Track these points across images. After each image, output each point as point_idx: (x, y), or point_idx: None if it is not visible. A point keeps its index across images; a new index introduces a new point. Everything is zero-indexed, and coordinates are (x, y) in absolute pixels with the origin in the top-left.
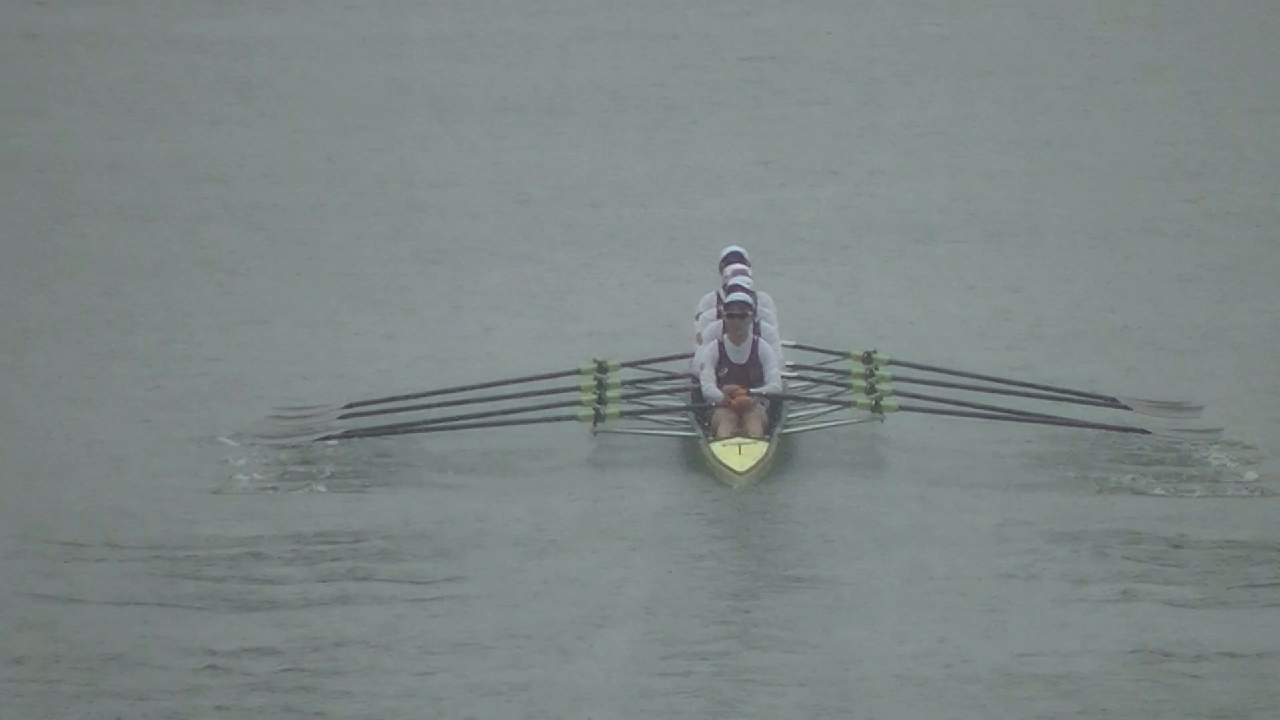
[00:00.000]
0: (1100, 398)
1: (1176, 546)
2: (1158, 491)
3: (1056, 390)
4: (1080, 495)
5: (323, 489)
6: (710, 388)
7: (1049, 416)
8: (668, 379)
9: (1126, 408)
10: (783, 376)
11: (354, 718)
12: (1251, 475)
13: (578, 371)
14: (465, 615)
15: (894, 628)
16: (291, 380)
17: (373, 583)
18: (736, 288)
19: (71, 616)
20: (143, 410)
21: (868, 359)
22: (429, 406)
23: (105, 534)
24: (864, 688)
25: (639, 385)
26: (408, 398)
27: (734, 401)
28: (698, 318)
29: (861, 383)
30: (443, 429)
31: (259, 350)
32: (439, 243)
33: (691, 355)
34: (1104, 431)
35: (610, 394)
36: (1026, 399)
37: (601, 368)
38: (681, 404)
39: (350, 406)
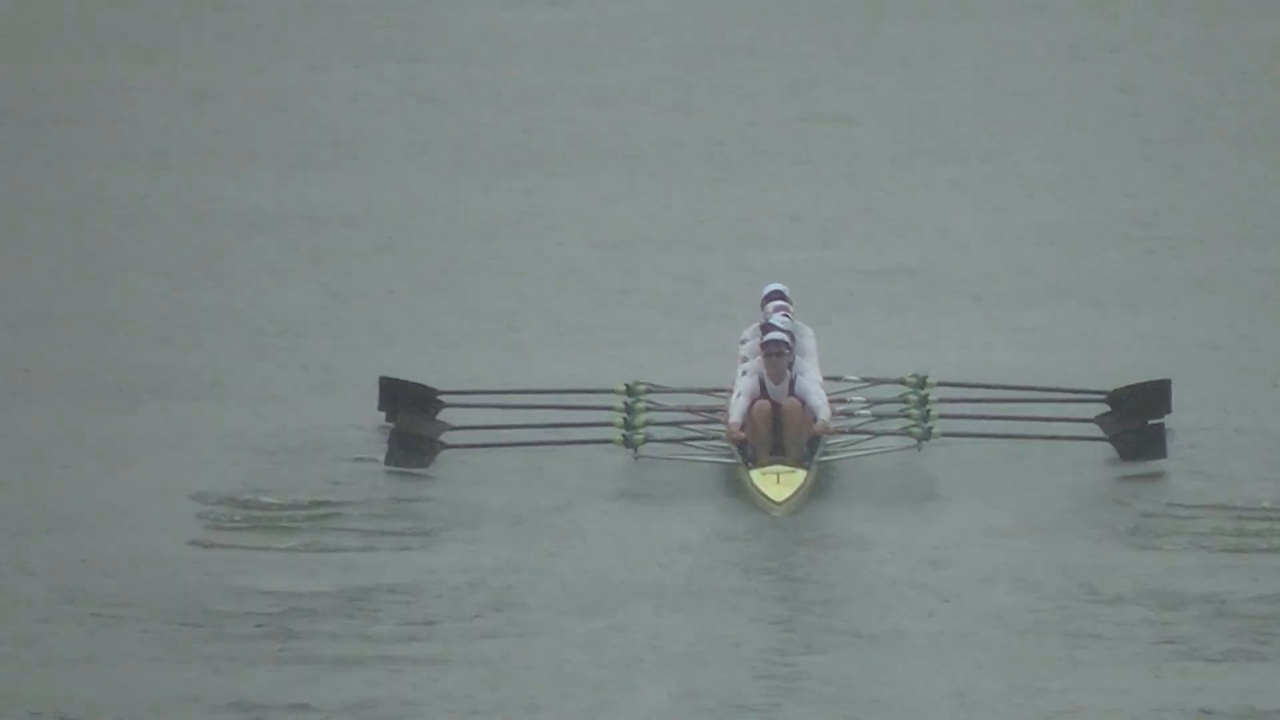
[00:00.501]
0: (1089, 392)
1: (1211, 602)
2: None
3: (1045, 388)
4: (1124, 546)
5: (353, 541)
6: (735, 414)
7: (1050, 433)
8: (699, 409)
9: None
10: (834, 413)
11: None
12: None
13: (610, 391)
14: (496, 667)
15: (937, 677)
16: (325, 431)
17: (415, 642)
18: (773, 327)
19: (100, 674)
20: (173, 466)
21: (921, 384)
22: (506, 407)
23: (139, 590)
24: None
25: (670, 411)
26: (498, 393)
27: (730, 437)
28: (743, 343)
29: (915, 410)
30: (482, 445)
31: (293, 396)
32: (476, 290)
33: (720, 389)
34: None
35: (638, 420)
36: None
37: (630, 391)
38: (710, 430)
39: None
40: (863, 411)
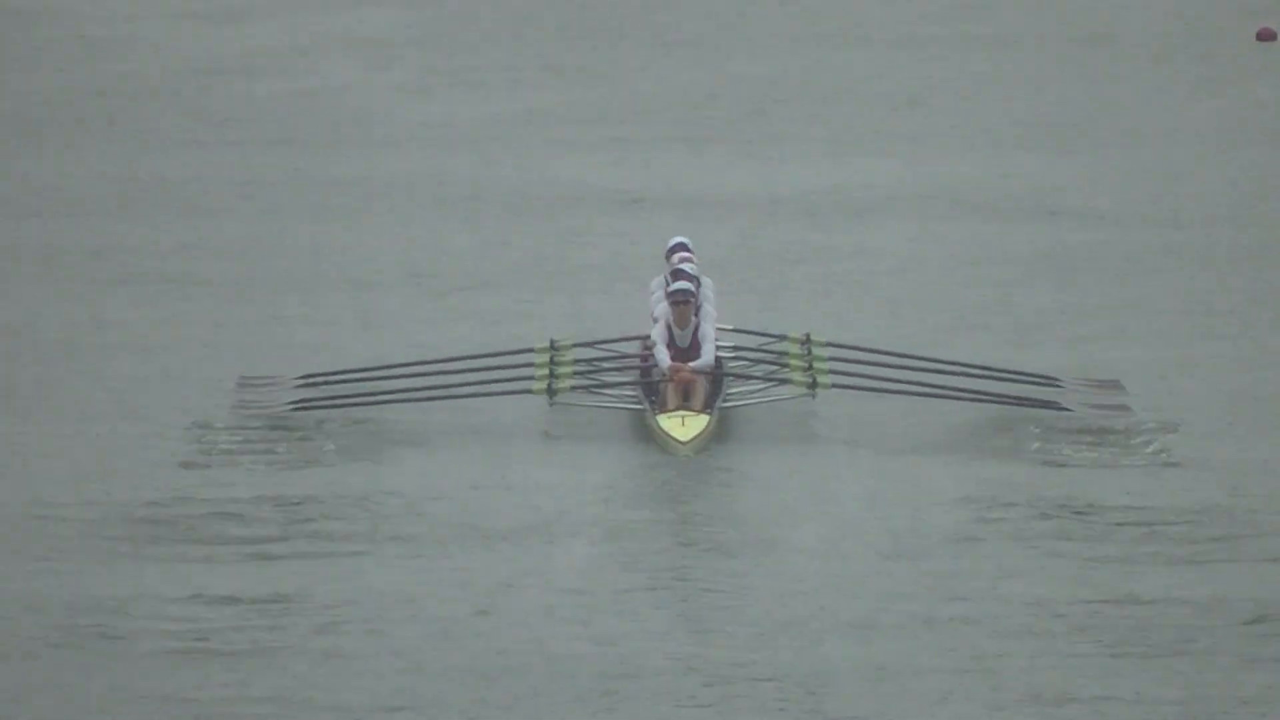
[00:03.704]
0: (1038, 376)
1: (1081, 513)
2: (1076, 462)
3: (996, 370)
4: (1002, 465)
5: (281, 460)
6: (664, 357)
7: (970, 392)
8: (617, 357)
9: (1059, 384)
10: (718, 355)
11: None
12: (1158, 448)
13: (532, 349)
14: (418, 569)
15: (822, 594)
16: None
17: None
18: (680, 274)
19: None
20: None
21: (806, 340)
22: (385, 379)
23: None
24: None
25: (590, 363)
26: (363, 370)
27: (676, 377)
28: (652, 295)
29: (800, 362)
30: (401, 400)
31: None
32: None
33: (637, 337)
34: (1030, 407)
35: (562, 370)
36: (964, 378)
37: (554, 345)
38: (629, 379)
39: (306, 377)
40: (762, 361)
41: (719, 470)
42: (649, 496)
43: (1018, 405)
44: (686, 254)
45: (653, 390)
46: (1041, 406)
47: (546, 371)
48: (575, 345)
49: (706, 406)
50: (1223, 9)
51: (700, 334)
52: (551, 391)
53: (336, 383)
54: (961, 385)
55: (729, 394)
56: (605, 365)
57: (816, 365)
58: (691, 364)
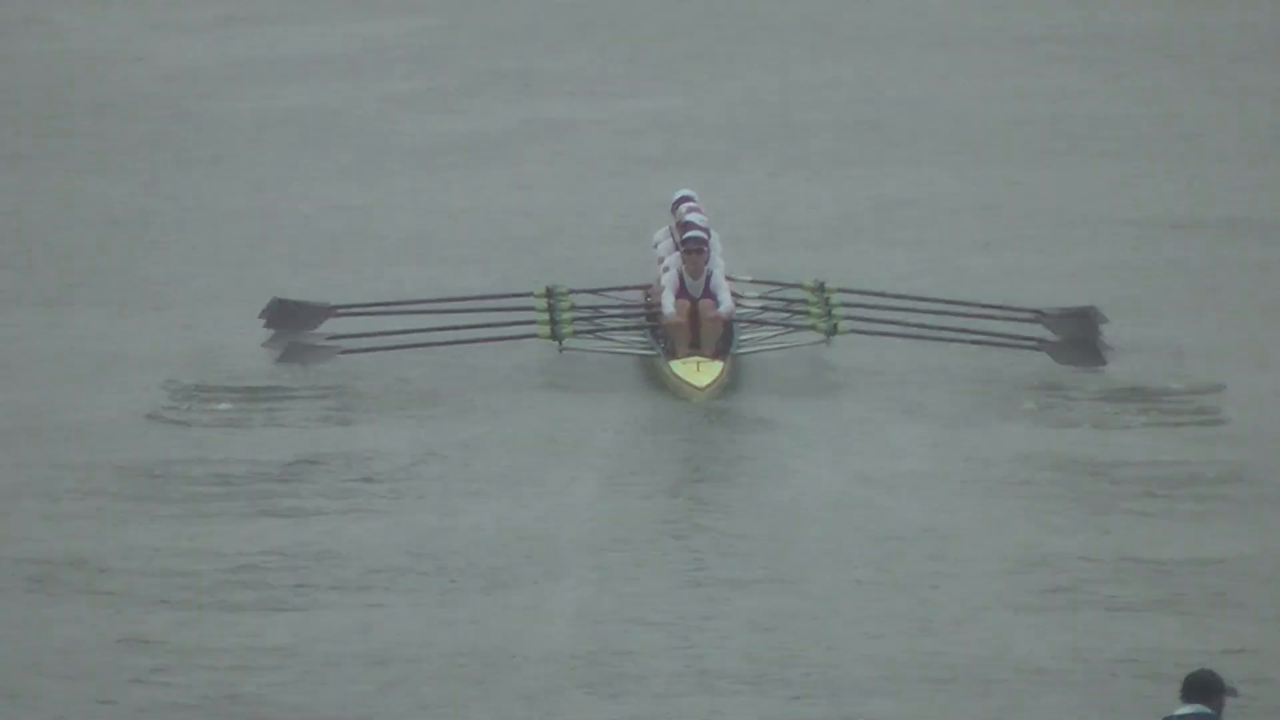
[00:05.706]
0: (1022, 310)
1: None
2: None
3: (982, 305)
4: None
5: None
6: (669, 305)
7: (973, 335)
8: (619, 305)
9: (1043, 323)
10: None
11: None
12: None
13: (531, 294)
14: (419, 527)
15: (832, 539)
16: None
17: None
18: (691, 224)
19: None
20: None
21: (820, 288)
22: (413, 313)
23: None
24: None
25: (591, 309)
26: (391, 304)
27: (682, 318)
28: (656, 246)
29: (816, 309)
30: (426, 345)
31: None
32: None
33: (636, 286)
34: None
35: (563, 315)
36: (956, 317)
37: (551, 293)
38: (632, 323)
39: (337, 309)
40: (764, 308)
41: (733, 415)
42: (662, 441)
43: (1015, 347)
44: (693, 204)
45: (664, 335)
46: (1029, 348)
47: (547, 317)
48: (572, 291)
49: (720, 353)
50: None
51: (714, 283)
52: (558, 337)
53: (368, 315)
54: (966, 326)
55: (742, 340)
56: (607, 311)
57: (834, 312)
58: (716, 313)
